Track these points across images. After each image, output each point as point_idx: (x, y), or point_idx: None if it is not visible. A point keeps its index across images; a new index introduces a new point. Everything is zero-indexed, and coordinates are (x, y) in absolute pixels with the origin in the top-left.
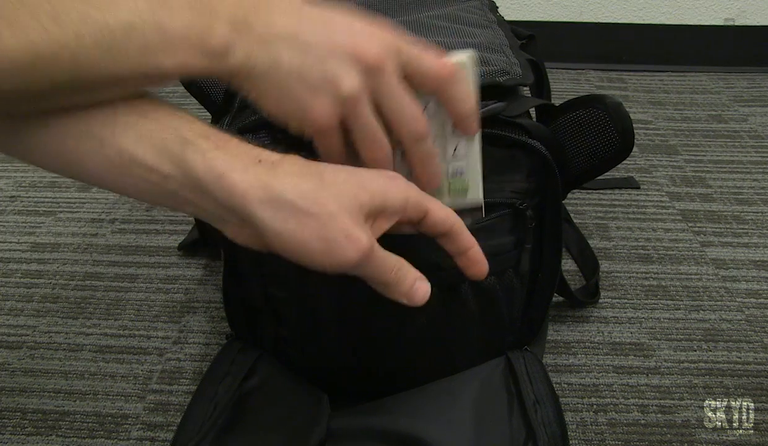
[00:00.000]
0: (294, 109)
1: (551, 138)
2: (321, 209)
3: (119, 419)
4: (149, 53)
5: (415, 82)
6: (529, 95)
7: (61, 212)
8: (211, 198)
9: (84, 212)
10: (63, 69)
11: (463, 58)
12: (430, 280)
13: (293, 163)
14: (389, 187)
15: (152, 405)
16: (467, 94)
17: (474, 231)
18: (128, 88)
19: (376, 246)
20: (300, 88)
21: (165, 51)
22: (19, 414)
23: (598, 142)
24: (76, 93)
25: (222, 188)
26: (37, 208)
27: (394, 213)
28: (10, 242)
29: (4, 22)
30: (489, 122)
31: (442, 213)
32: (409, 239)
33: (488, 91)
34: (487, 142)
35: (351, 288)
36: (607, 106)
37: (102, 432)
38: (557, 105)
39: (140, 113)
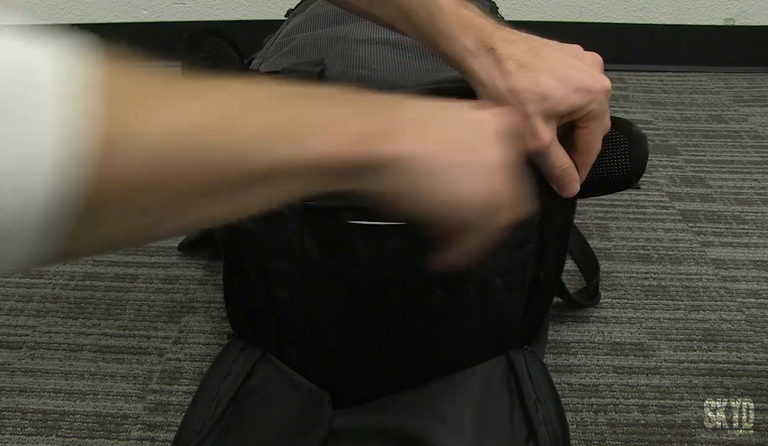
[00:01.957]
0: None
1: None
2: (522, 107)
3: (119, 419)
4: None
5: None
6: None
7: None
8: None
9: None
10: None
11: None
12: (434, 279)
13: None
14: (577, 103)
15: (152, 405)
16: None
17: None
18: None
19: (555, 144)
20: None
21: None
22: (19, 414)
23: (609, 164)
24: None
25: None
26: None
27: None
28: None
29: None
30: None
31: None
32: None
33: None
34: None
35: (354, 289)
36: (631, 134)
37: (102, 432)
38: None
39: None
